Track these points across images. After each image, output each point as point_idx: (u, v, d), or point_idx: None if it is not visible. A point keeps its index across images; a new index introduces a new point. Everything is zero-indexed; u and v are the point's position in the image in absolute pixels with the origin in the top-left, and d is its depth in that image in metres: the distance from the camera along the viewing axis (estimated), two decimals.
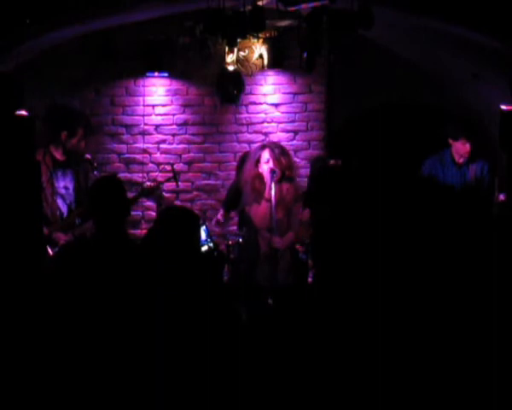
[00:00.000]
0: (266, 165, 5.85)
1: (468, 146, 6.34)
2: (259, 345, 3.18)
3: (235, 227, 7.03)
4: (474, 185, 6.32)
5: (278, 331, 3.15)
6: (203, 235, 6.14)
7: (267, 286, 5.72)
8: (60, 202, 6.25)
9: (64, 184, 6.28)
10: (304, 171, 7.47)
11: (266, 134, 7.67)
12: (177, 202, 7.65)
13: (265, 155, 5.86)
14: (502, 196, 6.06)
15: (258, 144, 6.50)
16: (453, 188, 5.66)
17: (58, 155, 6.23)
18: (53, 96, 7.39)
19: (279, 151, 5.91)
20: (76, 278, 3.59)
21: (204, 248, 6.17)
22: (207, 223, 6.64)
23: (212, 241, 6.31)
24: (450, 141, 6.41)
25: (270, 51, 7.37)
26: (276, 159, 5.84)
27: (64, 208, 6.27)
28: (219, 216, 6.58)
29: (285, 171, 5.88)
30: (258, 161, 5.89)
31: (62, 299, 3.58)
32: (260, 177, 5.87)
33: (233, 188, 6.76)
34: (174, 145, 7.70)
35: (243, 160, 6.57)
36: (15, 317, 4.21)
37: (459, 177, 6.40)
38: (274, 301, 5.38)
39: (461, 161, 6.42)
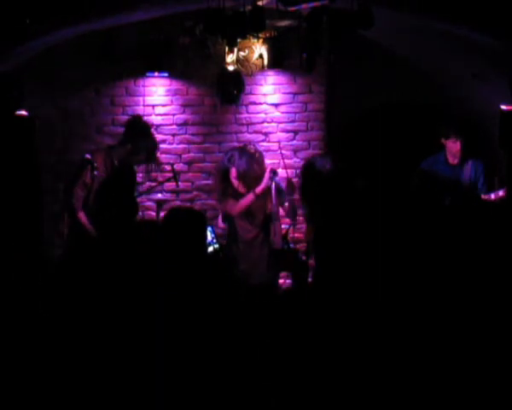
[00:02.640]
0: (236, 181, 5.91)
1: (458, 144, 6.34)
2: (262, 346, 3.18)
3: None
4: (469, 186, 6.34)
5: (279, 332, 3.16)
6: (209, 236, 6.15)
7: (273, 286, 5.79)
8: None
9: None
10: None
11: (266, 134, 7.68)
12: (177, 202, 7.64)
13: (233, 172, 5.92)
14: (493, 196, 6.07)
15: (228, 154, 6.29)
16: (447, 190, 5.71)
17: (116, 163, 6.24)
18: (53, 96, 7.41)
19: (248, 166, 5.92)
20: (83, 277, 3.60)
21: (210, 249, 6.18)
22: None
23: (218, 242, 6.32)
24: (443, 141, 6.43)
25: (270, 51, 7.37)
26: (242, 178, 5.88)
27: None
28: (219, 222, 6.60)
29: (258, 176, 5.93)
30: (226, 176, 5.93)
31: (67, 297, 3.58)
32: (227, 176, 5.93)
33: None
34: (174, 145, 7.70)
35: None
36: (15, 316, 4.21)
37: (455, 177, 6.41)
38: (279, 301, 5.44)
39: (455, 162, 6.42)
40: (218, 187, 6.12)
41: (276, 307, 3.26)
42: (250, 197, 5.87)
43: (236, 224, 6.01)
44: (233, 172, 5.91)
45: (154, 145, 6.42)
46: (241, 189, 5.92)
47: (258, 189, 5.86)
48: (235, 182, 5.92)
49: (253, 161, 5.89)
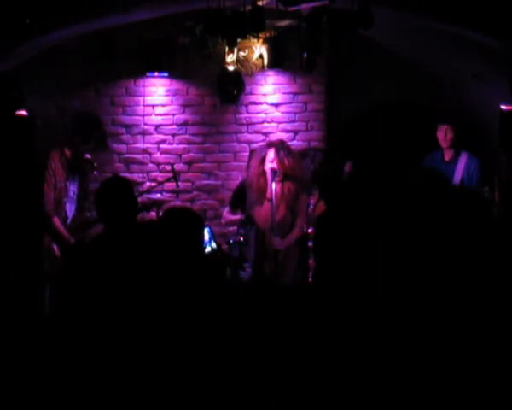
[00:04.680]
0: (271, 164, 5.83)
1: (443, 130, 6.43)
2: (260, 345, 3.18)
3: (235, 227, 7.02)
4: (460, 183, 6.40)
5: (279, 330, 3.16)
6: (206, 236, 6.13)
7: (273, 285, 5.71)
8: (68, 205, 6.25)
9: (73, 188, 6.28)
10: None
11: (266, 134, 7.67)
12: (177, 202, 7.64)
13: (271, 154, 5.85)
14: None
15: (265, 142, 6.56)
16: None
17: (69, 157, 6.25)
18: (53, 96, 7.41)
19: (284, 152, 5.90)
20: (87, 277, 3.59)
21: (207, 249, 6.16)
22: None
23: (215, 242, 6.30)
24: (437, 135, 6.52)
25: (270, 51, 7.37)
26: (280, 159, 5.83)
27: (70, 213, 6.26)
28: (225, 213, 6.55)
29: (288, 171, 5.86)
30: (263, 160, 5.88)
31: (71, 298, 3.58)
32: (264, 175, 5.86)
33: (240, 186, 6.72)
34: (174, 145, 7.70)
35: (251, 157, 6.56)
36: (15, 315, 4.22)
37: (449, 174, 6.47)
38: (279, 300, 5.37)
39: (449, 156, 6.49)
40: (252, 177, 5.96)
41: (281, 305, 3.26)
42: (267, 206, 5.84)
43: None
44: (270, 153, 5.84)
45: (102, 134, 6.46)
46: (269, 175, 5.80)
47: (268, 192, 5.83)
48: (269, 165, 5.81)
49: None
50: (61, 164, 6.19)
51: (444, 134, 6.45)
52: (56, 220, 6.13)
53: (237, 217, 6.40)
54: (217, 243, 6.34)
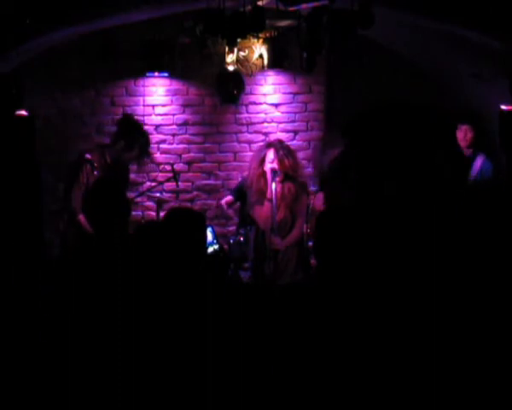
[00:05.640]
0: (270, 164, 5.82)
1: (462, 131, 6.53)
2: (261, 346, 3.17)
3: (234, 227, 7.03)
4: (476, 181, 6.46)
5: (280, 330, 3.16)
6: (209, 236, 6.13)
7: (273, 284, 5.72)
8: None
9: None
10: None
11: (266, 134, 7.68)
12: (177, 202, 7.64)
13: (270, 154, 5.84)
14: None
15: (264, 142, 6.57)
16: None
17: (109, 161, 6.26)
18: (53, 96, 7.41)
19: (284, 152, 5.88)
20: (77, 278, 3.59)
21: (210, 249, 6.17)
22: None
23: (218, 242, 6.30)
24: (456, 134, 6.60)
25: (270, 51, 7.37)
26: (279, 159, 5.82)
27: None
28: (223, 202, 6.56)
29: (288, 171, 5.85)
30: (263, 160, 5.88)
31: (67, 298, 3.58)
32: (264, 176, 5.86)
33: (240, 185, 6.71)
34: (174, 145, 7.70)
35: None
36: (14, 316, 4.20)
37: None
38: (279, 300, 5.35)
39: (467, 155, 6.58)
40: (252, 178, 5.94)
41: (281, 305, 3.25)
42: (267, 206, 5.82)
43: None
44: (269, 153, 5.82)
45: (146, 141, 6.46)
46: (269, 176, 5.77)
47: (268, 192, 5.81)
48: (269, 165, 5.79)
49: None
50: (100, 165, 6.21)
51: (464, 134, 6.51)
52: (82, 218, 6.16)
53: (230, 211, 6.48)
54: (219, 244, 6.35)
